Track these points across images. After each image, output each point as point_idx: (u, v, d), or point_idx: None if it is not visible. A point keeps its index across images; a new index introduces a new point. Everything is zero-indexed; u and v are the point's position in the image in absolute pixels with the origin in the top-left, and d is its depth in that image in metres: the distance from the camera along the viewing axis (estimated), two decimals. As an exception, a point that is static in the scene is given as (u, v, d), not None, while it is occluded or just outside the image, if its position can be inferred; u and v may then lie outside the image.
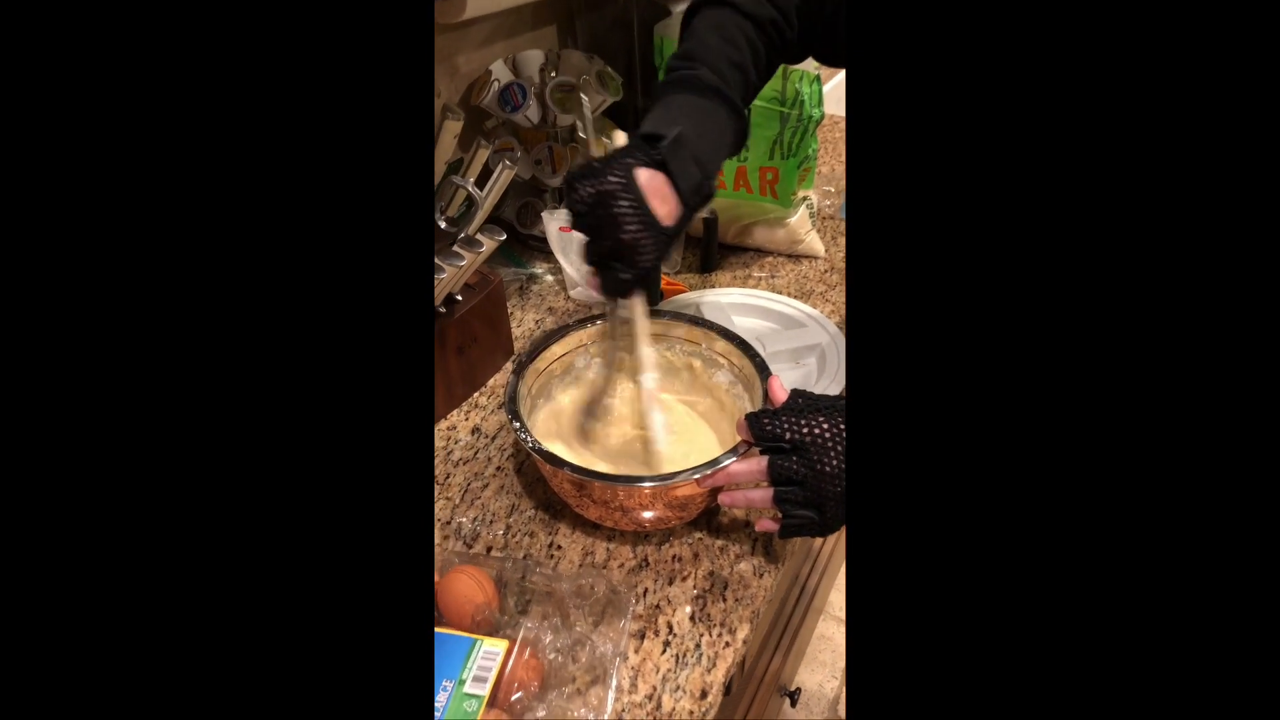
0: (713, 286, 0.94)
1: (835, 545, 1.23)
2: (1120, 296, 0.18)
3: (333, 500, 0.23)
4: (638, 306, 0.63)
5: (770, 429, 0.53)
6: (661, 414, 0.64)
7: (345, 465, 0.23)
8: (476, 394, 0.80)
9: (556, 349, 0.69)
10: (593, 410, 0.66)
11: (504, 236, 0.68)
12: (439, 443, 0.74)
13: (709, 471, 0.56)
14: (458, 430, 0.75)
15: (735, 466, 0.56)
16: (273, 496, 0.22)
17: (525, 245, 1.02)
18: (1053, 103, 0.19)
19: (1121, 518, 0.18)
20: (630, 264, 0.56)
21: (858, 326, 0.23)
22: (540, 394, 0.69)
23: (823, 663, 1.32)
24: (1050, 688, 0.19)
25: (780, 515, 0.55)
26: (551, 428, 0.68)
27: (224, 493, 0.22)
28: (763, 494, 0.55)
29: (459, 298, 0.74)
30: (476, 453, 0.72)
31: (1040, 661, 0.19)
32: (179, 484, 0.21)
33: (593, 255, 0.57)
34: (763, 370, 0.64)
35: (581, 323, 0.70)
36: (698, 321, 0.70)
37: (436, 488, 0.69)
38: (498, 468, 0.71)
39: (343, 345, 0.23)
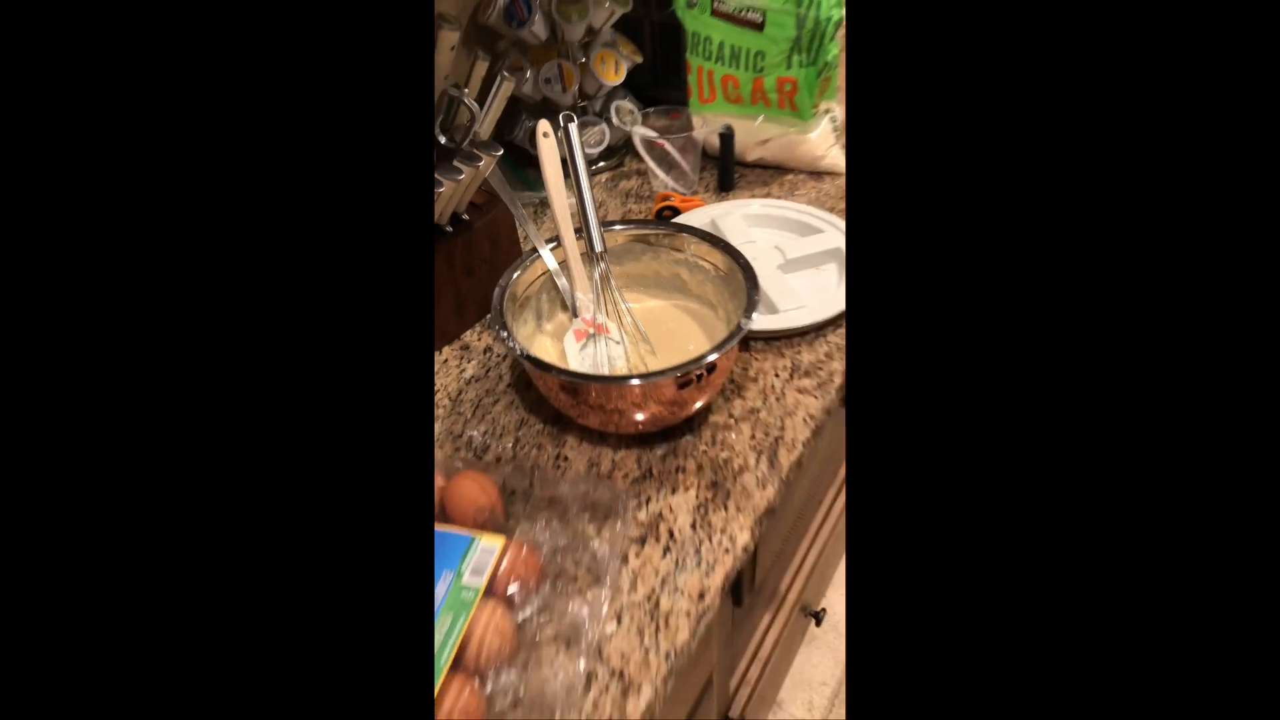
0: (728, 204, 0.93)
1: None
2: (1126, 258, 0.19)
3: (333, 419, 0.23)
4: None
5: None
6: (620, 342, 0.65)
7: (344, 385, 0.23)
8: (490, 315, 0.80)
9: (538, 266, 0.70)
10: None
11: (501, 151, 0.67)
12: (453, 361, 0.75)
13: (695, 368, 0.56)
14: (470, 349, 0.76)
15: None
16: (272, 418, 0.23)
17: (538, 169, 1.01)
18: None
19: (1124, 508, 0.18)
20: None
21: (858, 324, 0.23)
22: (527, 306, 0.70)
23: (850, 586, 1.33)
24: (1049, 684, 0.19)
25: None
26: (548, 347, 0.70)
27: (223, 404, 0.22)
28: None
29: (465, 216, 0.74)
30: (488, 370, 0.74)
31: (1039, 658, 0.19)
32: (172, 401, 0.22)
33: None
34: (749, 276, 0.64)
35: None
36: (677, 228, 0.71)
37: (449, 404, 0.70)
38: (509, 384, 0.72)
39: (342, 259, 0.23)
